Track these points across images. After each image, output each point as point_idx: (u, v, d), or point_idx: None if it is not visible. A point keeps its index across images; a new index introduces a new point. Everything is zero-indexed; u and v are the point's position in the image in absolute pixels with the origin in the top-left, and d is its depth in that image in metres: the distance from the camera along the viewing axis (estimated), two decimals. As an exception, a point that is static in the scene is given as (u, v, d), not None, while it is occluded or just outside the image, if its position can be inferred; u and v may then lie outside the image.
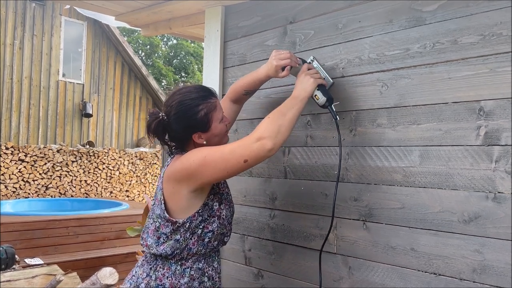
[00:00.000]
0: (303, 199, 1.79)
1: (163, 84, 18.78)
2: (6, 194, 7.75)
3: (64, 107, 9.12)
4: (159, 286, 1.51)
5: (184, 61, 20.95)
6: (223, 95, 2.14)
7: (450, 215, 1.39)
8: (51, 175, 8.28)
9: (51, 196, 8.24)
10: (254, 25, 2.01)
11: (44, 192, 8.22)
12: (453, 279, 1.38)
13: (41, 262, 4.42)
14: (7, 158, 7.81)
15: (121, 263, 5.13)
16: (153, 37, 18.89)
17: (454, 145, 1.39)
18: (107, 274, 2.61)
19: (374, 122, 1.58)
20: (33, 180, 8.10)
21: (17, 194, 7.90)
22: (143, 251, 1.64)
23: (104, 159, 8.97)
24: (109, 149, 9.09)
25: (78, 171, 8.60)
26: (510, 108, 1.28)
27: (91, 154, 8.78)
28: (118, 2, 2.29)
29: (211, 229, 1.54)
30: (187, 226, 1.50)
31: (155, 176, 9.95)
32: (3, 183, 7.76)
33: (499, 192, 1.30)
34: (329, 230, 1.62)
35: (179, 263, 1.53)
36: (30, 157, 8.05)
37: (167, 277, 1.52)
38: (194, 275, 1.54)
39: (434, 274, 1.42)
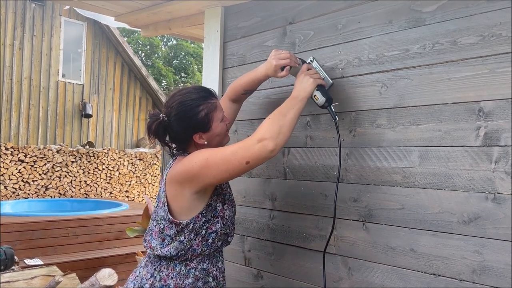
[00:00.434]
0: (302, 200, 1.79)
1: (163, 84, 18.78)
2: (5, 195, 7.75)
3: (63, 108, 9.12)
4: (164, 287, 1.51)
5: (184, 61, 20.96)
6: (222, 95, 2.14)
7: (449, 216, 1.39)
8: (50, 176, 8.27)
9: (51, 197, 8.23)
10: (253, 26, 2.01)
11: (44, 192, 8.21)
12: (452, 280, 1.38)
13: (40, 262, 4.42)
14: (6, 158, 7.80)
15: (121, 264, 5.12)
16: (153, 38, 18.90)
17: (454, 146, 1.39)
18: (106, 275, 2.61)
19: (374, 123, 1.58)
20: (33, 181, 8.09)
21: (16, 195, 7.90)
22: (143, 252, 1.64)
23: (104, 159, 8.97)
24: (109, 150, 9.09)
25: (77, 172, 8.59)
26: (509, 109, 1.28)
27: (90, 154, 8.78)
28: (118, 2, 2.29)
29: (215, 229, 1.54)
30: (191, 227, 1.50)
31: (155, 176, 9.95)
32: (2, 184, 7.75)
33: (498, 193, 1.30)
34: (331, 231, 1.62)
35: (184, 263, 1.53)
36: (30, 157, 8.05)
37: (172, 277, 1.52)
38: (199, 275, 1.54)
39: (434, 275, 1.42)
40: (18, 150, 7.94)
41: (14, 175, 7.89)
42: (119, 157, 9.23)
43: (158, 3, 2.25)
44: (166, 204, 1.52)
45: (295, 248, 1.81)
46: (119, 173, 9.21)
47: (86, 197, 8.67)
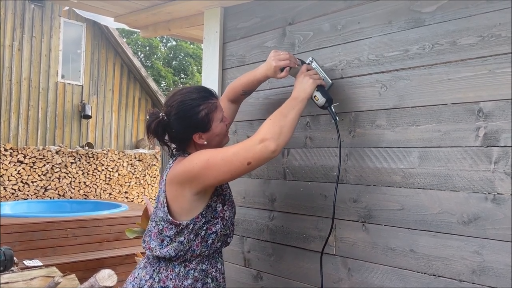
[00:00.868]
0: (302, 201, 1.79)
1: (162, 85, 18.78)
2: (5, 196, 7.74)
3: (63, 109, 9.12)
4: None
5: (184, 62, 20.96)
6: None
7: (449, 217, 1.39)
8: (50, 177, 8.27)
9: (50, 198, 8.22)
10: (253, 27, 2.01)
11: (43, 193, 8.21)
12: (452, 281, 1.38)
13: (39, 263, 4.42)
14: (6, 159, 7.80)
15: (120, 265, 5.12)
16: (152, 39, 18.90)
17: (453, 147, 1.39)
18: (106, 276, 2.61)
19: (373, 123, 1.58)
20: (32, 182, 8.08)
21: (16, 196, 7.89)
22: (142, 253, 1.64)
23: (103, 160, 8.96)
24: (108, 151, 9.09)
25: (77, 173, 8.59)
26: (509, 109, 1.28)
27: (90, 155, 8.77)
28: (117, 3, 2.29)
29: (215, 230, 1.54)
30: (190, 228, 1.49)
31: (154, 177, 9.94)
32: (2, 185, 7.74)
33: (498, 194, 1.30)
34: (330, 231, 1.62)
35: (183, 264, 1.53)
36: (29, 158, 8.04)
37: (171, 279, 1.51)
38: (198, 276, 1.54)
39: (434, 275, 1.42)
40: (17, 151, 7.94)
41: (14, 176, 7.89)
42: (119, 158, 9.23)
43: (158, 4, 2.25)
44: (165, 205, 1.51)
45: (294, 249, 1.81)
46: (119, 174, 9.21)
47: (86, 198, 8.66)
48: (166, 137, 1.58)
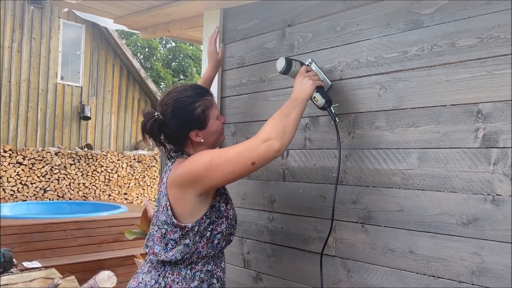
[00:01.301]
0: (301, 202, 1.79)
1: (161, 86, 18.77)
2: (4, 197, 7.73)
3: (62, 110, 9.11)
4: None
5: (183, 63, 20.96)
6: (221, 97, 2.14)
7: (448, 218, 1.39)
8: (49, 178, 8.26)
9: (49, 199, 8.22)
10: (252, 28, 2.01)
11: (42, 195, 8.20)
12: (452, 282, 1.38)
13: (39, 265, 4.41)
14: (5, 161, 7.79)
15: (120, 266, 5.11)
16: (152, 40, 18.91)
17: (453, 148, 1.39)
18: (105, 278, 2.60)
19: (373, 125, 1.58)
20: (31, 183, 8.08)
21: (15, 197, 7.88)
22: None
23: (103, 161, 8.96)
24: (108, 152, 9.08)
25: (76, 174, 8.58)
26: (508, 111, 1.29)
27: (89, 156, 8.77)
28: (117, 4, 2.29)
29: (220, 230, 1.53)
30: (196, 230, 1.48)
31: (154, 178, 9.94)
32: (1, 186, 7.73)
33: (497, 195, 1.30)
34: (329, 233, 1.62)
35: (189, 267, 1.51)
36: (28, 160, 8.04)
37: (177, 282, 1.49)
38: (204, 277, 1.52)
39: (433, 276, 1.42)
40: (17, 153, 7.93)
41: (13, 178, 7.88)
42: (118, 160, 9.23)
43: (157, 6, 2.26)
44: (169, 207, 1.49)
45: (294, 250, 1.81)
46: (118, 176, 9.20)
47: (85, 200, 8.65)
48: (162, 137, 1.57)
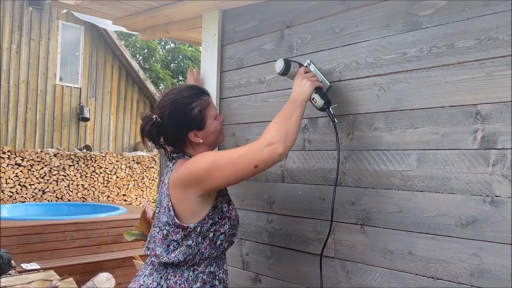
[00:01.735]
0: (300, 203, 1.79)
1: (160, 88, 18.77)
2: (2, 199, 7.71)
3: (61, 111, 9.11)
4: None
5: (182, 64, 20.96)
6: (220, 99, 2.14)
7: (447, 219, 1.39)
8: (48, 180, 8.25)
9: (48, 201, 8.20)
10: (251, 29, 2.01)
11: (41, 196, 8.18)
12: (451, 283, 1.38)
13: (37, 267, 4.40)
14: (3, 162, 7.78)
15: (118, 268, 5.11)
16: (151, 41, 18.90)
17: (451, 149, 1.39)
18: (104, 279, 2.60)
19: (371, 126, 1.58)
20: (30, 185, 8.06)
21: (13, 199, 7.87)
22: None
23: (101, 163, 8.95)
24: (106, 153, 9.07)
25: (75, 175, 8.57)
26: (506, 112, 1.29)
27: (88, 158, 8.76)
28: (116, 6, 2.29)
29: (223, 231, 1.53)
30: (198, 231, 1.48)
31: (153, 180, 9.93)
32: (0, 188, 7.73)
33: (496, 196, 1.30)
34: (328, 234, 1.62)
35: (191, 268, 1.50)
36: (27, 161, 8.02)
37: (180, 284, 1.48)
38: (206, 279, 1.52)
39: (432, 278, 1.42)
40: (15, 154, 7.92)
41: (11, 179, 7.86)
42: (117, 161, 9.22)
43: (156, 7, 2.26)
44: (171, 208, 1.48)
45: (293, 251, 1.81)
46: (117, 177, 9.19)
47: (84, 201, 8.64)
48: (162, 140, 1.57)
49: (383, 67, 1.56)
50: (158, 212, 1.56)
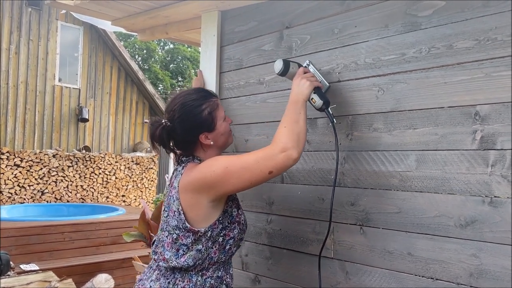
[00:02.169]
0: (299, 204, 1.79)
1: (159, 88, 18.78)
2: (1, 200, 7.70)
3: (60, 112, 9.10)
4: None
5: (181, 65, 20.98)
6: (219, 100, 2.14)
7: (446, 220, 1.39)
8: (47, 180, 8.24)
9: (47, 202, 8.19)
10: (250, 30, 2.01)
11: (40, 197, 8.18)
12: (450, 284, 1.38)
13: (36, 268, 4.39)
14: (2, 163, 7.77)
15: (117, 269, 5.10)
16: (150, 42, 18.91)
17: (450, 150, 1.39)
18: (103, 280, 2.59)
19: (371, 127, 1.58)
20: (29, 185, 8.06)
21: (12, 200, 7.86)
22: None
23: (100, 164, 8.94)
24: (105, 154, 9.07)
25: (74, 176, 8.56)
26: (505, 113, 1.29)
27: (87, 159, 8.75)
28: (115, 7, 2.28)
29: (232, 235, 1.53)
30: (208, 235, 1.47)
31: (152, 181, 9.92)
32: (-2, 189, 7.71)
33: (495, 197, 1.30)
34: (327, 235, 1.62)
35: (200, 273, 1.50)
36: (26, 162, 8.02)
37: None
38: (214, 284, 1.51)
39: (431, 278, 1.42)
40: (14, 155, 7.92)
41: (10, 180, 7.86)
42: (116, 162, 9.21)
43: (155, 8, 2.26)
44: (181, 212, 1.47)
45: (292, 252, 1.81)
46: (116, 178, 9.19)
47: (83, 202, 8.64)
48: (172, 144, 1.56)
49: (382, 68, 1.56)
50: (166, 216, 1.54)
